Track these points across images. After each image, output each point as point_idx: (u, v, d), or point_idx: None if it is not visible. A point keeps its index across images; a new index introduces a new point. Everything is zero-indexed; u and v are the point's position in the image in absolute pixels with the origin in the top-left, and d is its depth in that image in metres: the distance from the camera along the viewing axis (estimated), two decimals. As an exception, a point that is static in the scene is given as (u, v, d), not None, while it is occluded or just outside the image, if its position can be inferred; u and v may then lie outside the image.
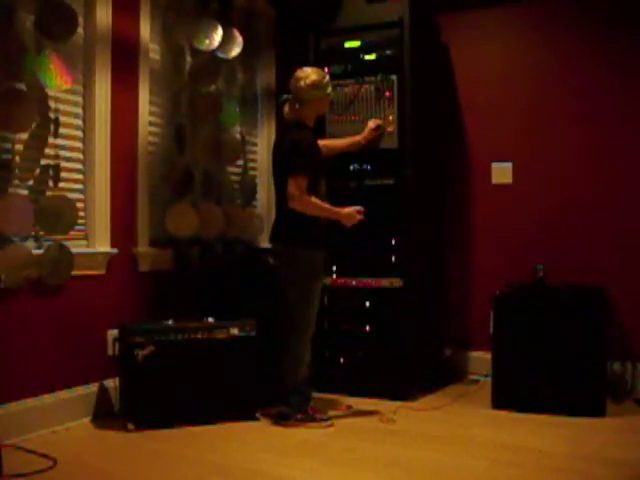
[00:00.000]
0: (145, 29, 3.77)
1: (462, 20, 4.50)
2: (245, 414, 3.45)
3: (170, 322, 3.44)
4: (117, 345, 3.43)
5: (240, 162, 4.50)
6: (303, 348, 3.43)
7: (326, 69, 4.10)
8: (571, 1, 4.21)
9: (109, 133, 3.54)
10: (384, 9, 3.99)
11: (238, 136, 4.48)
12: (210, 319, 3.51)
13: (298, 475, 2.76)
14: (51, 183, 3.27)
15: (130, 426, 3.25)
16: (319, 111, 3.56)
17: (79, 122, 3.48)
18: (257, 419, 3.45)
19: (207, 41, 3.98)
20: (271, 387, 3.48)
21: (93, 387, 3.45)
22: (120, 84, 3.60)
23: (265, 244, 4.62)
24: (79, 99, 3.48)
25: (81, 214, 3.44)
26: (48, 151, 3.28)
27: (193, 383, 3.38)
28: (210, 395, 3.41)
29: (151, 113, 3.85)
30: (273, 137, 4.78)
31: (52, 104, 3.28)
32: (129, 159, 3.70)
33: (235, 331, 3.48)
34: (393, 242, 3.91)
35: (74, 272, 3.31)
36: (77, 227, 3.42)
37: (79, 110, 3.48)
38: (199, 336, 3.41)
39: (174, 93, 4.04)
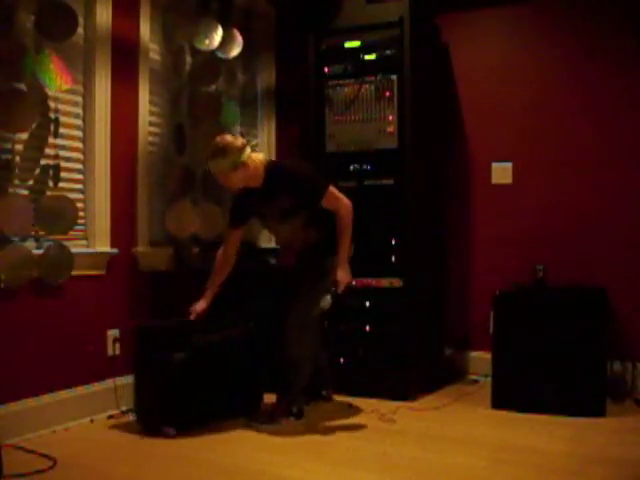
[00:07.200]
0: (145, 29, 3.77)
1: (462, 20, 4.50)
2: (248, 413, 3.44)
3: (184, 321, 3.39)
4: (136, 344, 3.32)
5: (240, 162, 4.49)
6: None
7: (326, 69, 4.12)
8: (572, 0, 4.21)
9: (109, 133, 3.54)
10: (384, 9, 4.00)
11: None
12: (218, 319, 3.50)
13: (298, 475, 2.75)
14: (51, 183, 3.27)
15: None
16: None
17: (79, 122, 3.48)
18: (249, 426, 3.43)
19: (207, 41, 3.98)
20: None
21: (93, 387, 3.45)
22: (120, 84, 3.60)
23: (265, 244, 4.63)
24: (79, 99, 3.48)
25: (81, 214, 3.44)
26: (48, 151, 3.28)
27: (211, 383, 3.36)
28: (224, 395, 3.41)
29: (151, 113, 3.85)
30: (273, 137, 4.79)
31: (52, 104, 3.28)
32: (129, 159, 3.70)
33: (243, 331, 3.49)
34: (393, 242, 3.92)
35: (74, 272, 3.31)
36: (77, 227, 3.42)
37: (79, 110, 3.48)
38: (217, 336, 3.40)
39: (174, 93, 4.04)
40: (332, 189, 3.36)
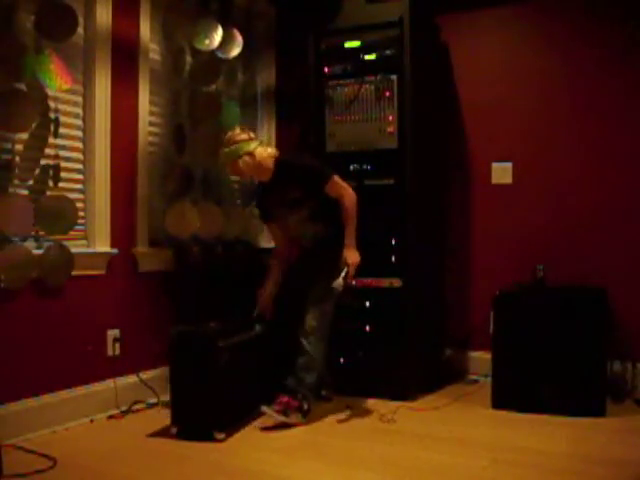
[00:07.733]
0: (145, 29, 3.77)
1: (462, 20, 4.50)
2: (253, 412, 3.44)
3: (209, 324, 3.37)
4: (174, 350, 3.24)
5: (240, 162, 4.49)
6: None
7: (326, 69, 4.12)
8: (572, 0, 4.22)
9: (109, 133, 3.54)
10: (384, 9, 3.99)
11: (238, 136, 4.47)
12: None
13: (298, 475, 2.75)
14: (51, 183, 3.27)
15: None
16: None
17: (79, 122, 3.48)
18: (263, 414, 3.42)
19: (207, 41, 3.98)
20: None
21: (93, 387, 3.45)
22: (120, 84, 3.60)
23: (265, 244, 4.63)
24: (79, 99, 3.48)
25: (81, 214, 3.44)
26: (48, 151, 3.27)
27: (244, 384, 3.39)
28: (253, 394, 3.43)
29: (151, 113, 3.85)
30: (273, 137, 4.79)
31: (52, 104, 3.28)
32: (129, 159, 3.70)
33: (259, 330, 3.52)
34: (393, 242, 3.92)
35: (74, 272, 3.31)
36: (77, 227, 3.42)
37: (79, 110, 3.48)
38: (243, 337, 3.41)
39: (174, 93, 4.04)
40: (337, 178, 3.53)
